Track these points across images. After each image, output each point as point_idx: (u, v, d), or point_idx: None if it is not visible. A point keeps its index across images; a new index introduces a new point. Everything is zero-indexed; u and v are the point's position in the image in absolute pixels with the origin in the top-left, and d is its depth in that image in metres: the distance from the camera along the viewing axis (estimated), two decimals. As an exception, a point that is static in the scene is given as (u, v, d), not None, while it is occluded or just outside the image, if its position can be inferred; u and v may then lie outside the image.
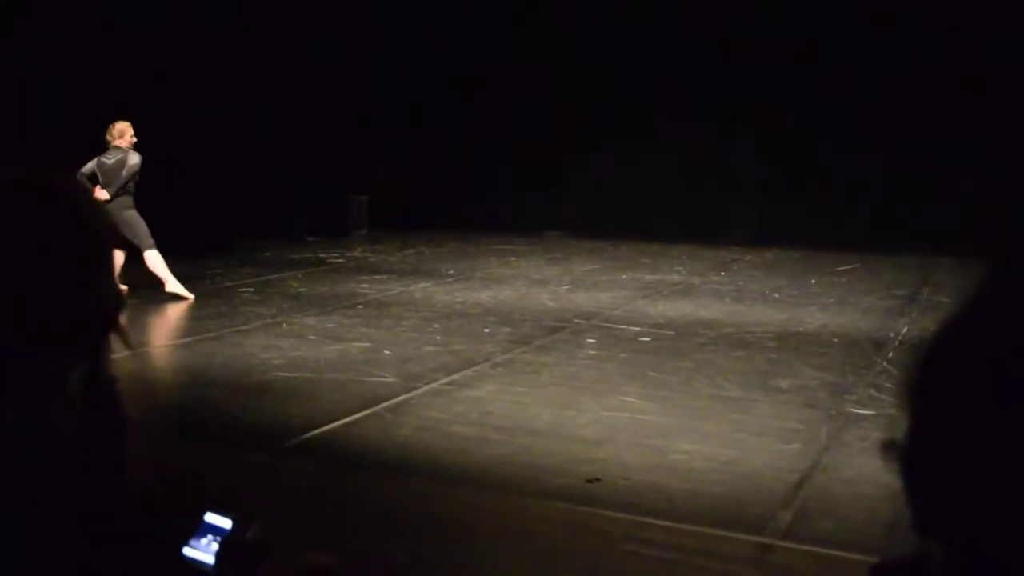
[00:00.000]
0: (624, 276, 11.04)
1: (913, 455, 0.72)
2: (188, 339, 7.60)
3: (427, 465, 4.85)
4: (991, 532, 0.68)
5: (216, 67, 12.66)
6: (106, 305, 1.13)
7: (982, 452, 0.67)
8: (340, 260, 12.19)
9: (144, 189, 9.53)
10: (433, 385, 6.28)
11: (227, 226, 12.63)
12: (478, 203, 15.42)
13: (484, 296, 9.61)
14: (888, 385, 6.17)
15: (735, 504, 4.29)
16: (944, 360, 0.72)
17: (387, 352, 7.21)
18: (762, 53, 13.77)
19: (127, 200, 9.06)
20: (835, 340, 7.63)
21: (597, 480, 4.54)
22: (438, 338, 7.70)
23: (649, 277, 10.97)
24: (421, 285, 10.33)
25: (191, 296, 9.16)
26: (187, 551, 1.42)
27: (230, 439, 5.24)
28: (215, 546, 1.43)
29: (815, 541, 3.88)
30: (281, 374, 6.64)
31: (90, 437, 1.14)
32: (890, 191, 13.02)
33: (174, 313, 8.68)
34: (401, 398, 5.98)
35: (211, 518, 1.46)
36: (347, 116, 15.01)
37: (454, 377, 6.48)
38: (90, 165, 9.02)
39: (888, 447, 0.74)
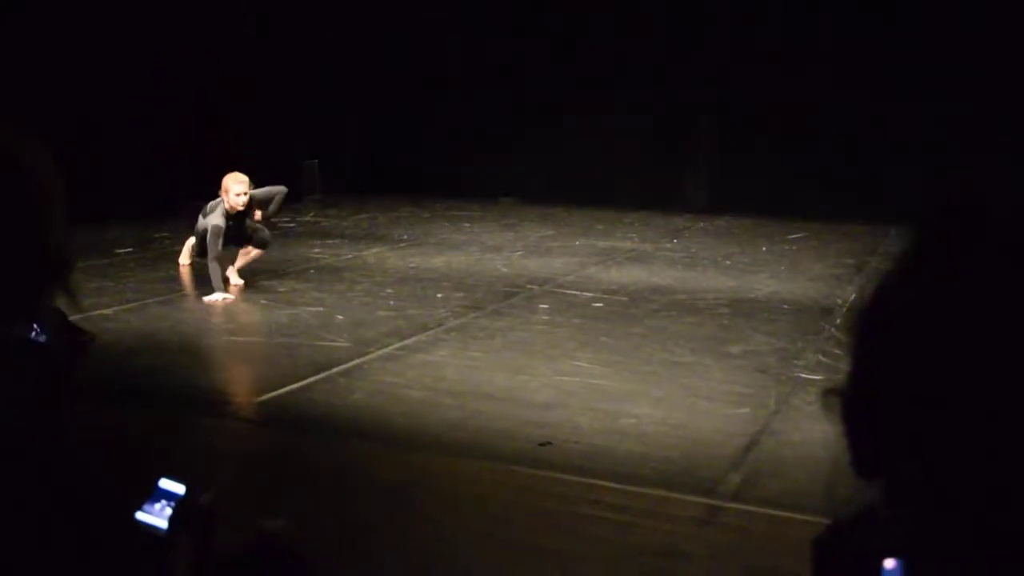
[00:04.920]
0: (577, 242, 11.07)
1: (854, 395, 0.76)
2: (137, 303, 7.50)
3: (380, 429, 4.85)
4: (927, 461, 0.71)
5: (165, 30, 12.43)
6: (54, 261, 1.10)
7: (915, 388, 0.71)
8: (291, 225, 12.09)
9: (94, 150, 9.31)
10: (386, 350, 6.27)
11: (176, 190, 12.45)
12: (432, 169, 15.34)
13: (438, 261, 9.59)
14: (836, 351, 6.26)
15: (686, 467, 4.34)
16: (880, 308, 0.77)
17: (340, 317, 7.17)
18: (715, 21, 13.79)
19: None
20: (785, 307, 7.72)
21: (549, 444, 4.58)
22: (391, 303, 7.68)
23: (602, 244, 11.01)
24: (374, 250, 10.29)
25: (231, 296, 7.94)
26: (140, 516, 1.41)
27: (181, 403, 5.20)
28: (169, 511, 1.43)
29: (764, 503, 3.94)
30: (233, 338, 6.59)
31: (34, 399, 1.11)
32: (840, 161, 13.14)
33: (123, 277, 8.56)
34: (354, 363, 5.97)
35: (165, 483, 1.47)
36: (300, 80, 14.82)
37: (407, 342, 6.47)
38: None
39: (828, 394, 0.78)
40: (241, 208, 7.78)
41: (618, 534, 3.68)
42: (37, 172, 1.06)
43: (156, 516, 1.43)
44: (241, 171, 7.98)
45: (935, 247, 0.75)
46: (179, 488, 1.47)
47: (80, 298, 1.17)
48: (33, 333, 1.09)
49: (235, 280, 8.20)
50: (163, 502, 1.44)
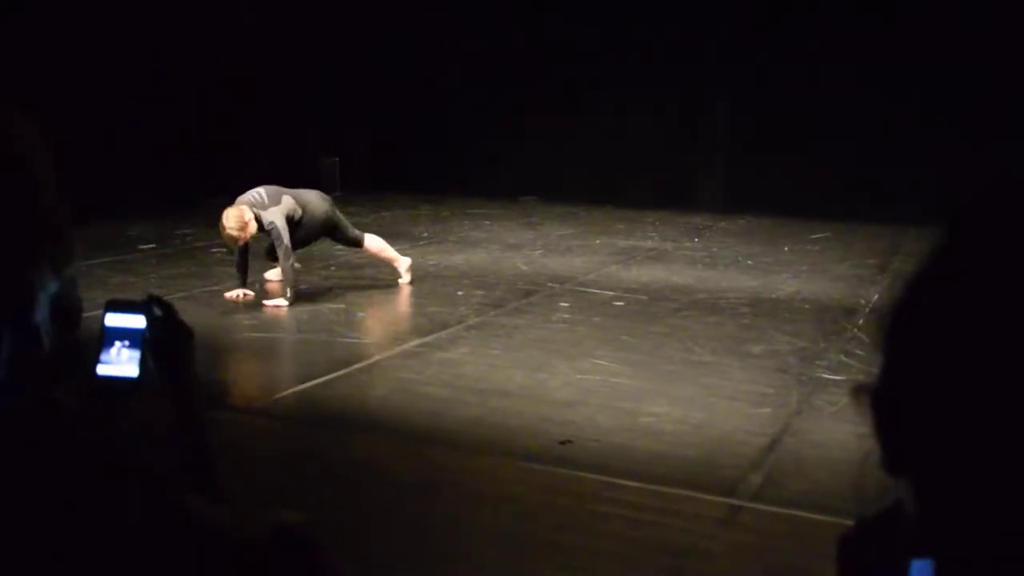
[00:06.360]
0: (598, 241, 11.05)
1: (885, 391, 0.75)
2: (159, 299, 7.53)
3: (400, 426, 4.86)
4: (957, 459, 0.71)
5: (185, 27, 12.49)
6: (43, 234, 1.07)
7: (948, 383, 0.71)
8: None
9: (118, 147, 9.32)
10: (406, 347, 6.27)
11: (199, 187, 12.52)
12: (452, 167, 15.35)
13: (458, 259, 9.59)
14: (858, 352, 6.22)
15: (706, 466, 4.32)
16: (911, 303, 0.76)
17: (360, 314, 7.19)
18: (734, 18, 13.73)
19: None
20: (807, 307, 7.67)
21: (569, 442, 4.57)
22: (411, 300, 7.69)
23: (623, 243, 10.98)
24: (394, 247, 10.28)
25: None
26: (102, 370, 1.22)
27: (199, 390, 5.21)
28: (130, 353, 1.23)
29: (785, 503, 3.92)
30: (253, 334, 6.61)
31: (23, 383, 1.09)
32: (863, 161, 13.06)
33: (145, 272, 8.61)
34: (374, 359, 5.98)
35: (113, 319, 1.22)
36: (320, 78, 14.86)
37: (427, 339, 6.48)
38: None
39: (858, 390, 0.77)
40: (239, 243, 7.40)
41: (638, 532, 3.67)
42: (13, 137, 1.05)
43: (119, 364, 1.22)
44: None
45: (968, 244, 0.74)
46: (135, 320, 1.21)
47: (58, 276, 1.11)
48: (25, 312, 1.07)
49: (272, 276, 8.15)
50: (119, 344, 1.21)
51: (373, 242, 8.25)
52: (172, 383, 1.39)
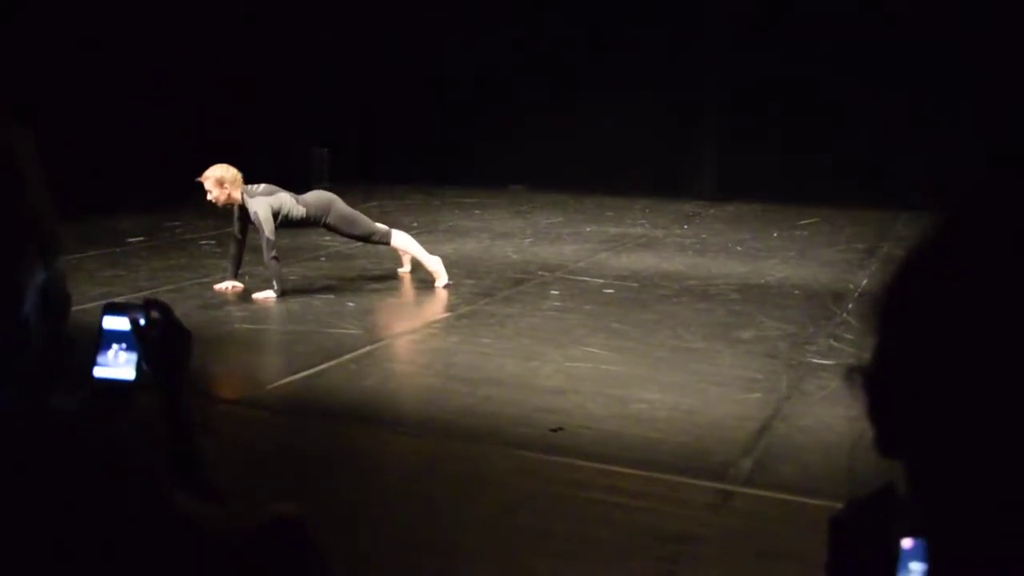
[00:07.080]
0: (588, 229, 11.05)
1: (878, 373, 0.75)
2: (148, 291, 7.51)
3: (391, 415, 4.86)
4: (951, 440, 0.71)
5: (176, 17, 12.43)
6: (29, 229, 1.08)
7: (942, 366, 0.71)
8: (302, 212, 12.07)
9: (103, 140, 9.23)
10: (397, 336, 6.27)
11: (188, 180, 12.47)
12: (442, 156, 15.32)
13: (448, 248, 9.57)
14: (847, 336, 6.24)
15: (697, 452, 4.34)
16: (908, 282, 0.76)
17: (351, 304, 7.18)
18: (724, 7, 13.73)
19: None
20: (796, 292, 7.69)
21: (560, 429, 4.58)
22: (402, 290, 7.68)
23: (613, 230, 10.99)
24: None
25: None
26: (99, 372, 1.26)
27: (192, 391, 5.21)
28: (127, 356, 1.27)
29: (775, 487, 3.94)
30: (244, 326, 6.60)
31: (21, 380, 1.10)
32: (851, 146, 13.08)
33: (134, 265, 8.58)
34: (365, 349, 5.97)
35: (111, 322, 1.26)
36: (309, 68, 14.81)
37: (418, 328, 6.48)
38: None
39: (851, 373, 0.77)
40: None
41: (630, 519, 3.68)
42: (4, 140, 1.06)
43: (116, 367, 1.26)
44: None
45: (967, 229, 0.74)
46: (122, 322, 1.25)
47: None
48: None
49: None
50: (116, 347, 1.26)
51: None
52: (167, 384, 1.41)
